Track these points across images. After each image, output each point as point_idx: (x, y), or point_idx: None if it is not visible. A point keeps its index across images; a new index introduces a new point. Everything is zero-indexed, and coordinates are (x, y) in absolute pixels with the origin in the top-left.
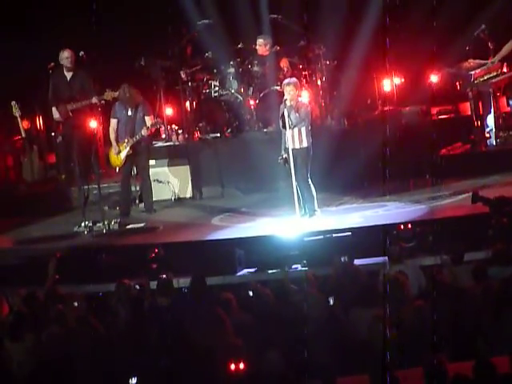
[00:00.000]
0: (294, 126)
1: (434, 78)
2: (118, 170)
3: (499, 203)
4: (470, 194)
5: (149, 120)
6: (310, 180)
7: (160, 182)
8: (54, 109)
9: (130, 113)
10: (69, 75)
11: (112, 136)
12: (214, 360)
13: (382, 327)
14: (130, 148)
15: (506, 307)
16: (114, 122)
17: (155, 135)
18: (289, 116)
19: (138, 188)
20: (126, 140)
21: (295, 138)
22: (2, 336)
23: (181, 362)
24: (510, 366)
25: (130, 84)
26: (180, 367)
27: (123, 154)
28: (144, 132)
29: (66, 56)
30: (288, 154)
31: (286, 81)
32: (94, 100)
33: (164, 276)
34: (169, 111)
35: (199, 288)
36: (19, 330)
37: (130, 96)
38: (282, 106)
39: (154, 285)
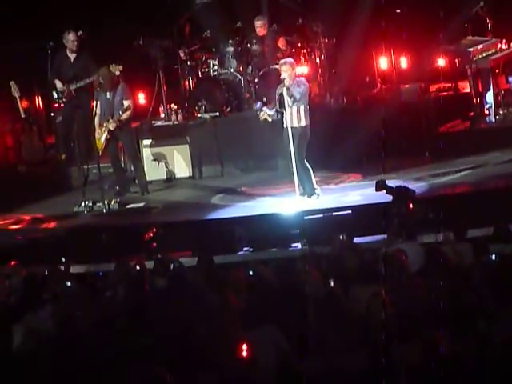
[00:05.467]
0: (293, 105)
1: (441, 62)
2: (100, 153)
3: (400, 192)
4: (467, 171)
5: (127, 104)
6: (305, 160)
7: (159, 161)
8: (57, 82)
9: (108, 96)
10: (72, 56)
11: (95, 119)
12: (216, 343)
13: (380, 305)
14: (108, 133)
15: (507, 285)
16: (95, 104)
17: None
18: (287, 95)
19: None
20: (105, 124)
21: (293, 117)
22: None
23: (181, 343)
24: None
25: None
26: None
27: (102, 138)
28: (116, 119)
29: (71, 38)
30: (287, 133)
31: (282, 61)
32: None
33: (160, 256)
34: (168, 90)
35: (207, 268)
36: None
37: (105, 80)
38: (279, 86)
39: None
